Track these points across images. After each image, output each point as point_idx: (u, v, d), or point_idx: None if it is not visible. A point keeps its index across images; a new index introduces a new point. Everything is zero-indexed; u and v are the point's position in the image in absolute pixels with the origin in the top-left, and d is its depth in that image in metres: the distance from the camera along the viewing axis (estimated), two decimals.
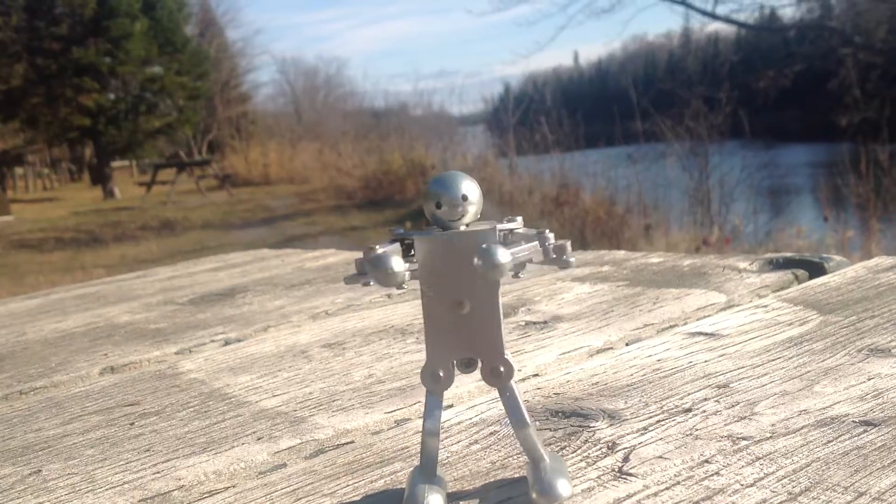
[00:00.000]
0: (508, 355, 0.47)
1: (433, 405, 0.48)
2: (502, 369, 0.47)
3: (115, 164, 19.49)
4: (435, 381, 0.47)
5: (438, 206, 0.45)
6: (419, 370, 0.75)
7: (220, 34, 26.04)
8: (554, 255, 0.45)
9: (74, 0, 17.10)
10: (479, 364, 0.47)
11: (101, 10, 17.11)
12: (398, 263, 0.42)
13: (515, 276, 0.46)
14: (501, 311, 0.47)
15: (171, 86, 18.68)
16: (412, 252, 0.46)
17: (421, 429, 0.47)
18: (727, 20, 14.67)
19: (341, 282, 1.18)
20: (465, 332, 0.47)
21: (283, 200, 13.92)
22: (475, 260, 0.41)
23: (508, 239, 0.47)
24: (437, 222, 0.46)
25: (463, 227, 0.46)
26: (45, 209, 15.19)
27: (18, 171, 21.27)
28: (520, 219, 0.48)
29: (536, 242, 0.45)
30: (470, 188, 0.45)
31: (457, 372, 0.48)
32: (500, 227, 0.47)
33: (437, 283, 0.46)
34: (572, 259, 0.45)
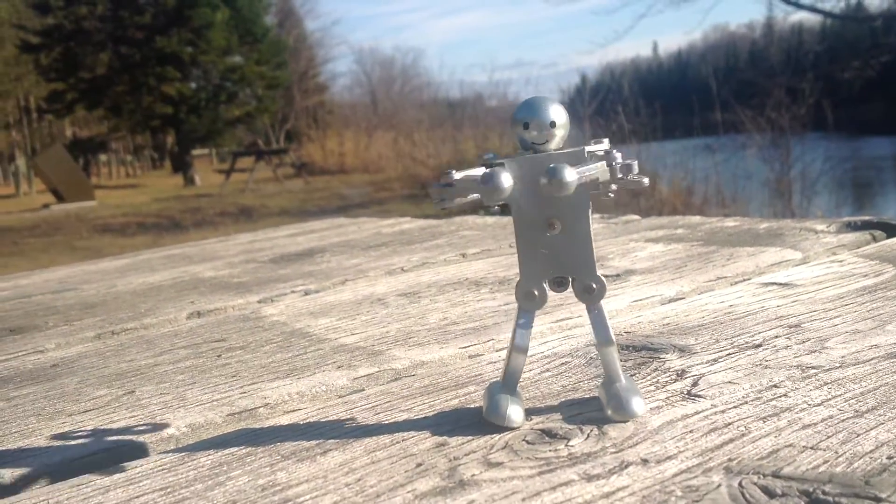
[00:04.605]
0: (600, 274, 0.49)
1: (525, 323, 0.49)
2: (595, 286, 0.48)
3: (196, 151, 19.86)
4: (529, 300, 0.49)
5: (527, 129, 0.47)
6: (493, 314, 0.78)
7: (298, 24, 26.39)
8: (620, 175, 0.46)
9: None
10: (571, 283, 0.49)
11: (184, 0, 17.45)
12: (507, 179, 0.43)
13: (605, 195, 0.47)
14: (592, 231, 0.48)
15: (250, 75, 18.96)
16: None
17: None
18: (812, 9, 14.35)
19: (416, 244, 1.21)
20: (557, 252, 0.48)
21: (358, 189, 14.03)
22: (542, 179, 0.43)
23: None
24: (526, 146, 0.47)
25: (551, 151, 0.47)
26: (127, 195, 15.55)
27: (102, 158, 21.87)
28: (606, 141, 0.49)
29: (603, 162, 0.46)
30: (558, 112, 0.47)
31: (549, 291, 0.49)
32: (588, 149, 0.48)
33: (528, 204, 0.48)
34: (645, 180, 0.46)
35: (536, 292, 0.48)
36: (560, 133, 0.47)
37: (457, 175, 0.46)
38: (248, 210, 11.87)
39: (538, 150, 0.47)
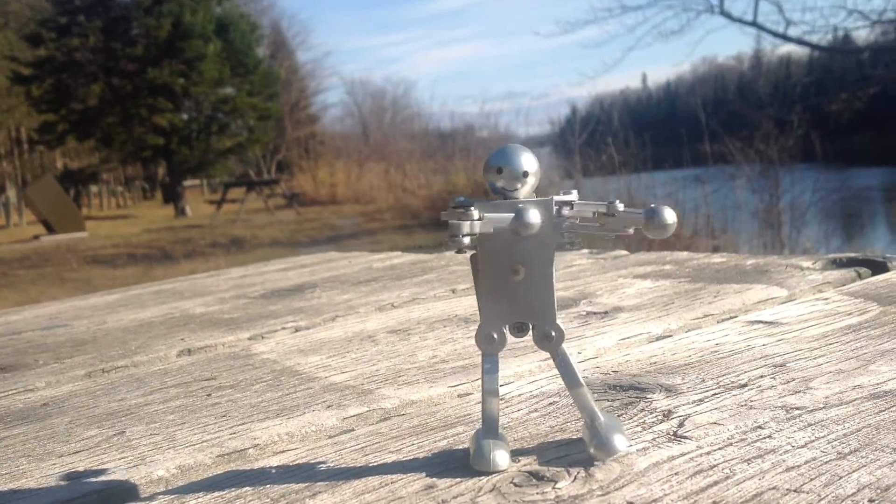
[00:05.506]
0: (559, 321, 0.50)
1: (491, 366, 0.50)
2: (553, 334, 0.49)
3: (187, 182, 19.86)
4: (489, 343, 0.50)
5: (500, 174, 0.48)
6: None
7: (290, 56, 26.55)
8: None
9: (150, 22, 17.57)
10: (531, 329, 0.50)
11: (176, 32, 17.53)
12: (535, 216, 0.45)
13: (571, 245, 0.48)
14: (554, 280, 0.49)
15: (242, 106, 19.03)
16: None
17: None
18: (799, 42, 14.44)
19: (407, 279, 1.22)
20: (518, 298, 0.49)
21: (350, 220, 14.06)
22: (511, 220, 0.45)
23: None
24: (497, 192, 0.49)
25: (521, 198, 0.48)
26: (118, 226, 15.54)
27: (93, 188, 21.87)
28: (575, 192, 0.50)
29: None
30: (529, 162, 0.48)
31: (509, 336, 0.50)
32: (556, 198, 0.49)
33: (494, 249, 0.49)
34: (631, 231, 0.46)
35: (496, 335, 0.50)
36: (531, 181, 0.48)
37: (476, 213, 0.47)
38: (239, 241, 11.87)
39: (509, 196, 0.48)
